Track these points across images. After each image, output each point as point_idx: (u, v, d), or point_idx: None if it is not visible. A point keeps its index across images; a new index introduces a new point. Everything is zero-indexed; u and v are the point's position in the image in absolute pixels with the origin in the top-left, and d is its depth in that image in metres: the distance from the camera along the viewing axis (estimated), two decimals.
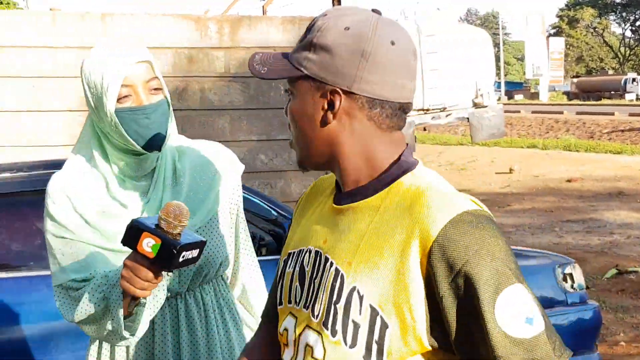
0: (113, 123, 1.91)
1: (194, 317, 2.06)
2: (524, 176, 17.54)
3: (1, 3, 16.60)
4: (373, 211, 1.44)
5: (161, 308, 2.00)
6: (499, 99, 24.20)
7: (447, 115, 14.51)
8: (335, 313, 1.41)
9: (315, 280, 1.49)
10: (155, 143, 1.96)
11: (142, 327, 1.88)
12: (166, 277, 1.94)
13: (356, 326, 1.38)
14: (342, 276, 1.42)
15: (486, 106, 14.40)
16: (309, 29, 1.50)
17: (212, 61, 7.19)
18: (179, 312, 2.04)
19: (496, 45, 64.59)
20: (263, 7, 10.91)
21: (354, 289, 1.39)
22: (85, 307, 1.87)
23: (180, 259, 1.67)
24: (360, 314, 1.37)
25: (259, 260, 3.97)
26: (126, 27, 6.92)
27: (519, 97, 63.20)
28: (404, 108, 1.48)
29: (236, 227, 2.25)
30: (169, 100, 2.01)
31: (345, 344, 1.39)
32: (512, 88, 74.62)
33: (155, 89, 1.96)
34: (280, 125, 7.36)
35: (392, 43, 1.42)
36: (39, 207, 2.17)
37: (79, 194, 1.99)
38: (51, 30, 6.73)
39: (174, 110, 2.07)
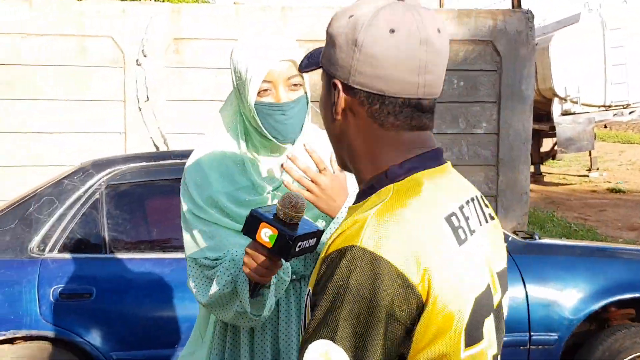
0: (252, 115, 2.01)
1: None
2: None
3: None
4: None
5: (286, 290, 2.07)
6: None
7: (630, 112, 13.80)
8: (304, 316, 1.34)
9: None
10: (290, 137, 2.04)
11: (268, 308, 1.96)
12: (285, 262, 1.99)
13: None
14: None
15: None
16: None
17: None
18: (301, 295, 2.11)
19: None
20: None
21: (309, 292, 1.31)
22: (215, 290, 1.97)
23: (297, 249, 1.72)
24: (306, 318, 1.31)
25: None
26: (304, 20, 7.10)
27: None
28: (417, 105, 1.29)
29: None
30: (308, 96, 2.06)
31: None
32: None
33: (296, 85, 2.01)
34: (452, 119, 7.30)
35: (392, 31, 1.25)
36: None
37: (214, 174, 2.09)
38: (234, 23, 7.02)
39: None
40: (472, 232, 1.30)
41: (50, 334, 3.72)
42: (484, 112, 7.36)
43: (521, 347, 3.98)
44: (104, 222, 3.93)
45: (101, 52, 6.92)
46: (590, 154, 16.03)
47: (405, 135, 1.31)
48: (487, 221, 1.40)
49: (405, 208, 1.23)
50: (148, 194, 4.18)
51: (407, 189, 1.26)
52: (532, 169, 14.83)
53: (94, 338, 3.73)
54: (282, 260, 1.82)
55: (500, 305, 1.37)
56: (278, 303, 2.08)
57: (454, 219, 1.27)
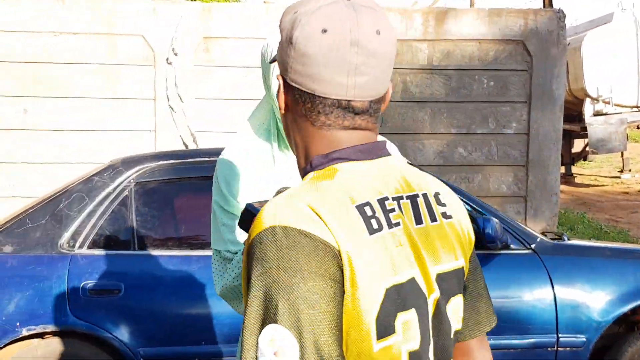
0: (274, 104, 2.08)
1: None
2: None
3: None
4: None
5: None
6: None
7: None
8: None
9: None
10: None
11: None
12: None
13: None
14: None
15: None
16: None
17: (415, 53, 7.22)
18: None
19: None
20: None
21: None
22: (226, 282, 2.07)
23: None
24: None
25: None
26: None
27: None
28: (348, 107, 1.31)
29: None
30: None
31: None
32: None
33: None
34: (482, 119, 7.26)
35: (324, 31, 1.27)
36: None
37: (243, 169, 2.16)
38: (263, 22, 7.05)
39: None
40: (392, 225, 1.29)
41: (79, 329, 3.77)
42: (514, 112, 7.32)
43: (549, 349, 3.96)
44: (132, 218, 3.97)
45: (132, 51, 6.98)
46: (622, 155, 15.85)
47: (339, 134, 1.33)
48: (435, 219, 1.38)
49: (315, 191, 1.25)
50: (176, 192, 4.21)
51: (323, 175, 1.29)
52: (563, 169, 14.70)
53: (122, 334, 3.77)
54: None
55: (438, 305, 1.35)
56: None
57: (367, 208, 1.26)
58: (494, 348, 1.72)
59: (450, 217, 1.42)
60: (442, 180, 1.68)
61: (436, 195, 1.42)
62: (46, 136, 6.91)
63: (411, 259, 1.30)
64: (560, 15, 7.33)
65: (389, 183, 1.34)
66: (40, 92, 6.88)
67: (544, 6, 7.91)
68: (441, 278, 1.35)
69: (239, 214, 2.09)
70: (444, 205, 1.42)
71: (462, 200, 4.09)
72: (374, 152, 1.35)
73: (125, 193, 3.99)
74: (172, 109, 6.97)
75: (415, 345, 1.29)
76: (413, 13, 7.26)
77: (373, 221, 1.26)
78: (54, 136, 6.92)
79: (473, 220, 3.98)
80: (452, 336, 1.40)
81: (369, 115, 1.34)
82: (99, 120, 6.95)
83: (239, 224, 1.78)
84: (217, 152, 4.50)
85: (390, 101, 7.11)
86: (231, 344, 3.81)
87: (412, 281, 1.29)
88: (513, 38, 7.28)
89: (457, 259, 1.40)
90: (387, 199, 1.31)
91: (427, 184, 1.42)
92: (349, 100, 1.30)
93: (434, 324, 1.34)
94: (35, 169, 6.91)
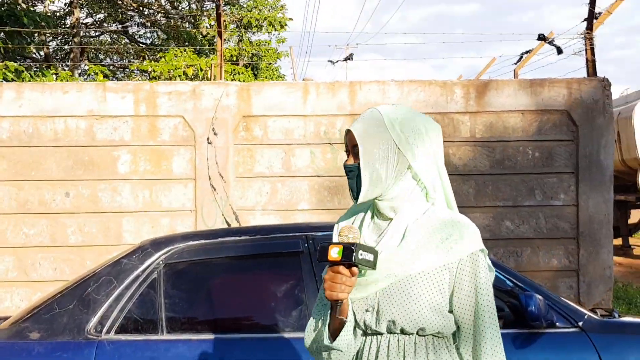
0: None
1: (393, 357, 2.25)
2: None
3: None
4: None
5: (369, 342, 2.30)
6: None
7: None
8: None
9: None
10: (353, 194, 2.34)
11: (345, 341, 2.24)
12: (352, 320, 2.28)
13: None
14: None
15: None
16: None
17: (456, 126, 7.11)
18: (379, 349, 2.28)
19: None
20: (515, 70, 10.65)
21: None
22: (311, 334, 2.34)
23: (360, 256, 2.07)
24: None
25: None
26: (370, 95, 7.06)
27: None
28: None
29: (464, 301, 2.24)
30: (361, 167, 2.29)
31: None
32: None
33: (356, 154, 2.32)
34: (528, 191, 7.07)
35: None
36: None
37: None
38: (303, 99, 7.04)
39: None
40: None
41: None
42: (562, 184, 7.11)
43: None
44: (161, 301, 3.86)
45: (172, 132, 7.02)
46: None
47: None
48: None
49: None
50: (206, 272, 4.09)
51: None
52: (620, 241, 14.26)
53: None
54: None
55: None
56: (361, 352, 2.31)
57: None
58: None
59: None
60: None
61: None
62: (88, 219, 6.93)
63: None
64: (605, 84, 7.17)
65: None
66: (81, 175, 6.94)
67: (588, 75, 7.76)
68: None
69: None
70: None
71: (503, 275, 3.91)
72: None
73: (154, 275, 3.90)
74: (214, 188, 6.95)
75: None
76: (453, 86, 7.18)
77: None
78: (95, 219, 6.94)
79: (515, 296, 3.78)
80: None
81: None
82: (141, 202, 6.96)
83: (317, 259, 2.18)
84: (248, 230, 4.42)
85: None
86: None
87: None
88: (557, 108, 7.13)
89: None
90: None
91: None
92: None
93: None
94: (77, 252, 6.91)
